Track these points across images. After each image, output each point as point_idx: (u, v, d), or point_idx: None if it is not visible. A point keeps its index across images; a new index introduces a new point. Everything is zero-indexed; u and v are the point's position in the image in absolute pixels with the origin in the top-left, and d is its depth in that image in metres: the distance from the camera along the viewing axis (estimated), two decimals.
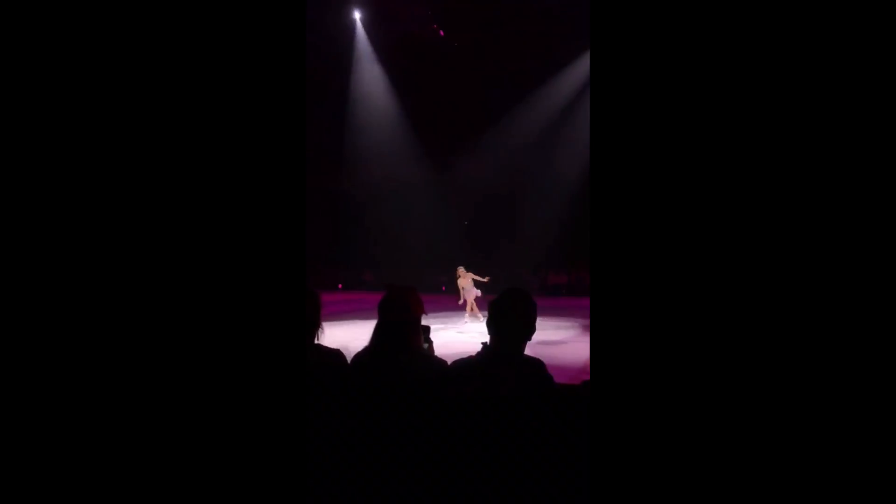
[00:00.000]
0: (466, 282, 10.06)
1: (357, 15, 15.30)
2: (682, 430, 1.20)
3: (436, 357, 1.83)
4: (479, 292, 10.13)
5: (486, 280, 10.12)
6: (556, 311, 10.82)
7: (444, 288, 18.18)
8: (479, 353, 1.78)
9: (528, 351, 1.78)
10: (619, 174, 1.26)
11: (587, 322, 8.25)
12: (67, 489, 1.22)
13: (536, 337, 1.78)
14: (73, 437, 1.23)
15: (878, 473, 1.13)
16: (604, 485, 1.22)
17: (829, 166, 1.19)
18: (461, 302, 10.26)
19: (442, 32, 15.07)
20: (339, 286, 18.41)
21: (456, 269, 10.34)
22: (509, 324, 1.72)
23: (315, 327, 1.93)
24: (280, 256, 1.31)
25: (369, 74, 16.61)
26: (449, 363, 1.83)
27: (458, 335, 8.46)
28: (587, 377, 1.78)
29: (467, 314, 10.04)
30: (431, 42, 15.34)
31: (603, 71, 1.30)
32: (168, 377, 1.26)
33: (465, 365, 1.78)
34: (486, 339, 1.79)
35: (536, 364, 1.76)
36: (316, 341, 1.94)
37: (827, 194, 1.19)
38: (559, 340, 7.73)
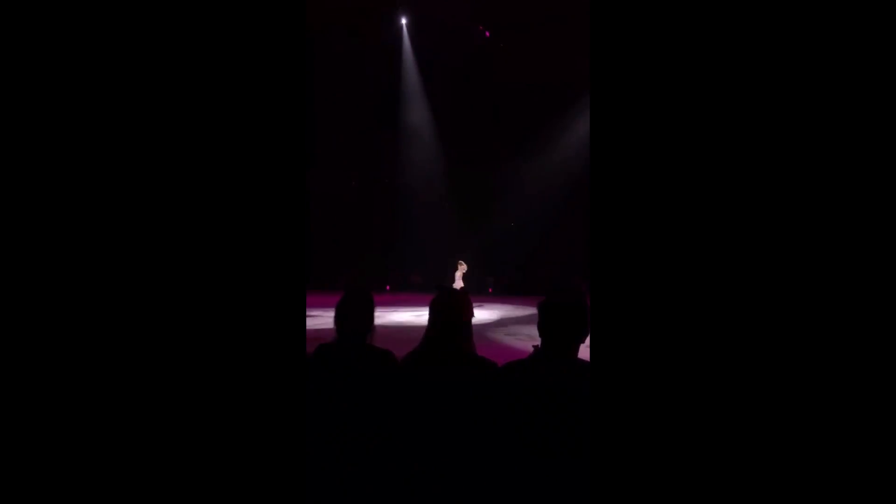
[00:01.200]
0: (460, 274, 11.15)
1: (404, 21, 15.49)
2: (682, 431, 1.19)
3: (486, 359, 1.83)
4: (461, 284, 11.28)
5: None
6: None
7: (490, 290, 18.12)
8: (530, 356, 1.76)
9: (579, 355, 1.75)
10: (619, 174, 1.26)
11: None
12: (66, 489, 1.22)
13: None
14: (73, 437, 1.22)
15: (878, 473, 1.11)
16: (603, 484, 1.22)
17: (829, 166, 1.17)
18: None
19: (488, 33, 15.06)
20: (388, 287, 18.63)
21: (459, 262, 11.28)
22: (560, 326, 1.70)
23: (369, 327, 1.96)
24: (280, 256, 1.32)
25: (416, 79, 16.83)
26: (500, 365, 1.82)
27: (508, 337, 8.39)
28: None
29: None
30: (477, 42, 15.36)
31: (603, 70, 1.29)
32: (169, 377, 1.26)
33: (517, 368, 1.76)
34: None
35: (589, 367, 1.73)
36: (368, 341, 1.97)
37: (826, 194, 1.17)
38: None
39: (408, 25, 15.64)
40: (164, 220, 1.29)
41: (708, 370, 1.19)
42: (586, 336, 1.71)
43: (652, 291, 1.23)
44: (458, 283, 10.82)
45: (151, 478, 1.24)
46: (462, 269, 11.11)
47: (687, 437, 1.19)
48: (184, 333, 1.27)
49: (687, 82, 1.24)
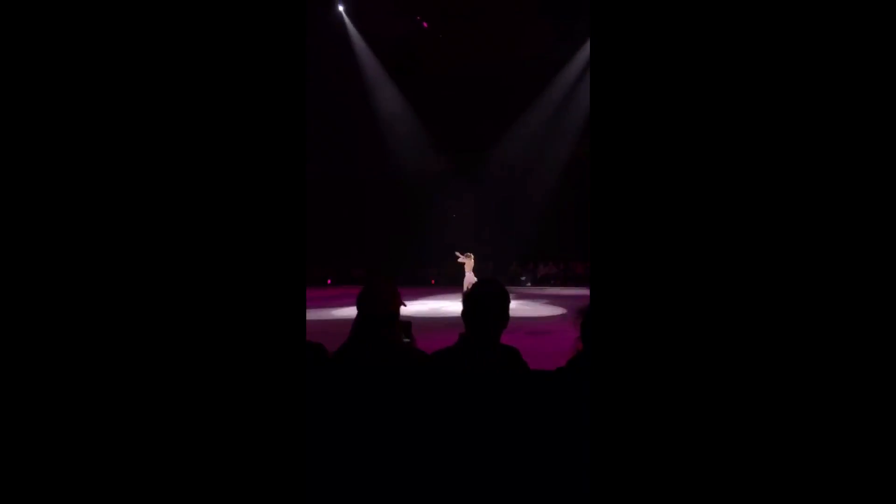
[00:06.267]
0: (470, 266, 10.51)
1: (341, 7, 15.21)
2: (681, 430, 1.18)
3: (415, 349, 1.86)
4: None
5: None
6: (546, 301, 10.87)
7: (433, 281, 18.19)
8: (456, 343, 1.81)
9: (517, 341, 1.81)
10: (619, 169, 1.26)
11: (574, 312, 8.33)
12: (66, 488, 1.21)
13: (524, 326, 1.80)
14: (71, 437, 1.22)
15: (878, 473, 1.11)
16: (602, 481, 1.22)
17: (828, 164, 1.18)
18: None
19: (426, 24, 15.00)
20: (329, 281, 18.38)
21: (466, 254, 10.60)
22: (483, 314, 1.76)
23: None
24: (280, 255, 1.32)
25: (370, 69, 16.56)
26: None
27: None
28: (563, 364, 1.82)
29: None
30: (418, 34, 15.26)
31: (603, 67, 1.29)
32: (168, 376, 1.25)
33: (444, 354, 1.81)
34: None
35: (512, 352, 1.80)
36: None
37: (825, 191, 1.17)
38: (544, 330, 7.80)
39: (346, 11, 15.33)
40: (166, 221, 1.29)
41: (707, 369, 1.18)
42: (506, 322, 1.78)
43: (651, 290, 1.22)
44: (469, 276, 10.19)
45: (150, 478, 1.23)
46: (469, 261, 10.34)
47: (686, 437, 1.18)
48: (182, 332, 1.27)
49: (687, 78, 1.23)
